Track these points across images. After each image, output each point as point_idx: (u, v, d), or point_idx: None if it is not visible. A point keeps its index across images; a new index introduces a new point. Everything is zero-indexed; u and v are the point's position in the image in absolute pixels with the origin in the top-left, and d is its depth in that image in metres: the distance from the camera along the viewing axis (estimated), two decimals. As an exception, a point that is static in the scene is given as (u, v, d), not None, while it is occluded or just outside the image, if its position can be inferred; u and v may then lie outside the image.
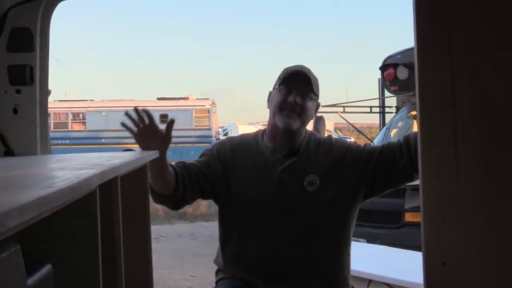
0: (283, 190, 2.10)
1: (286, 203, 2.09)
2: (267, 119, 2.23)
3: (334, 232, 2.14)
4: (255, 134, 2.25)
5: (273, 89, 2.17)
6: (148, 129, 2.01)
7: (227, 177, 2.14)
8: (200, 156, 2.23)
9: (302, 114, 2.09)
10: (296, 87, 2.09)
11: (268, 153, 2.14)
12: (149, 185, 2.00)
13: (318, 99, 2.17)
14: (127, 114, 2.02)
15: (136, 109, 2.04)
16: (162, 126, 2.04)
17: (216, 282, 2.24)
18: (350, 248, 2.21)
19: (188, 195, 2.12)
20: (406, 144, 2.10)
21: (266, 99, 2.22)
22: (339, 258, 2.15)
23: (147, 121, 2.01)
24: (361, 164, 2.13)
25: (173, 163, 2.15)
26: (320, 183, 2.09)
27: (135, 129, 2.02)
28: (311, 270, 2.10)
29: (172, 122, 2.05)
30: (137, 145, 2.02)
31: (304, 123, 2.13)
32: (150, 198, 1.91)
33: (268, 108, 2.19)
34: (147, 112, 2.03)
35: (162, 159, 1.96)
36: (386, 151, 2.15)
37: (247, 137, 2.27)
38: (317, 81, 2.16)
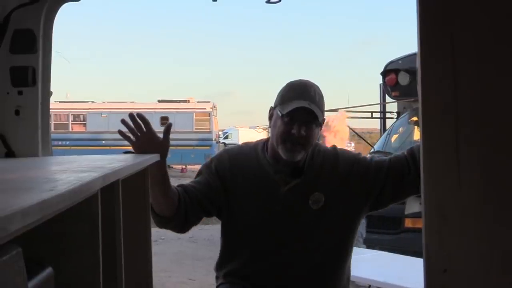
0: (287, 209, 2.04)
1: (290, 222, 2.05)
2: (267, 124, 2.16)
3: (338, 248, 2.10)
4: (255, 147, 2.15)
5: (274, 107, 2.06)
6: (146, 136, 1.92)
7: (228, 195, 2.08)
8: (198, 175, 2.16)
9: (306, 144, 2.01)
10: (301, 119, 1.98)
11: (270, 170, 2.07)
12: (151, 208, 1.93)
13: (323, 121, 2.08)
14: (123, 122, 1.93)
15: (132, 115, 1.95)
16: (162, 128, 2.00)
17: (217, 287, 2.22)
18: (351, 259, 2.19)
19: (191, 217, 2.05)
20: (412, 158, 2.04)
21: (268, 109, 2.09)
22: (342, 270, 2.14)
23: (144, 127, 1.93)
24: (370, 178, 2.07)
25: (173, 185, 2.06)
26: (326, 200, 2.04)
27: (133, 137, 1.94)
28: (315, 286, 2.08)
29: (169, 127, 1.96)
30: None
31: (308, 151, 2.05)
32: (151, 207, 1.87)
33: (270, 127, 2.10)
34: (143, 118, 1.93)
35: (162, 167, 1.91)
36: (395, 165, 2.08)
37: (246, 149, 2.18)
38: (323, 99, 2.05)
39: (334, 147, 2.24)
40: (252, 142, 2.24)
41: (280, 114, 2.01)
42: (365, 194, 2.10)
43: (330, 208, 2.05)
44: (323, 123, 2.10)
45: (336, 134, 4.77)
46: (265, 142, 2.14)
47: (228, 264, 2.15)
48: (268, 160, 2.09)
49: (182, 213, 2.02)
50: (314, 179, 2.07)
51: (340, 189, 2.08)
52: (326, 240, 2.08)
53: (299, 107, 1.97)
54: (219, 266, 2.21)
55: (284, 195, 2.05)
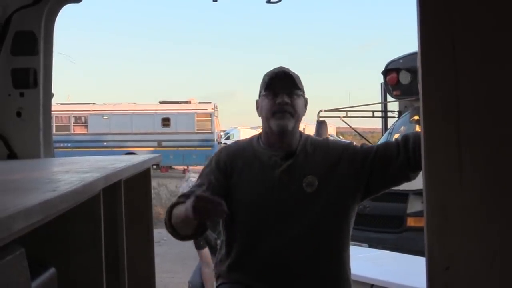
0: (282, 192, 2.10)
1: (285, 205, 2.10)
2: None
3: (333, 233, 2.14)
4: (250, 139, 2.26)
5: (259, 97, 2.20)
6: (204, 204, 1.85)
7: (229, 187, 2.14)
8: (200, 177, 2.22)
9: (294, 112, 2.12)
10: (281, 88, 2.12)
11: (265, 157, 2.16)
12: (171, 228, 2.01)
13: (304, 94, 2.21)
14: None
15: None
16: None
17: (217, 287, 2.23)
18: (349, 249, 2.21)
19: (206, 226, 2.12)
20: (404, 144, 2.10)
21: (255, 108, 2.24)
22: (339, 259, 2.16)
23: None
24: (358, 163, 2.14)
25: (181, 199, 2.07)
26: (319, 184, 2.10)
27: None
28: (313, 272, 2.10)
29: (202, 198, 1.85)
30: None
31: (298, 121, 2.16)
32: (153, 200, 1.89)
33: (259, 116, 2.21)
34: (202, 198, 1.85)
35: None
36: (382, 150, 2.15)
37: (242, 142, 2.29)
38: (299, 78, 2.19)
39: (326, 138, 2.38)
40: (248, 137, 2.34)
41: (263, 93, 2.15)
42: (354, 179, 2.14)
43: (323, 191, 2.09)
44: (306, 100, 2.22)
45: None
46: (259, 134, 2.25)
47: (228, 256, 2.18)
48: (262, 148, 2.18)
49: (202, 224, 2.06)
50: (306, 161, 2.14)
51: (331, 173, 2.14)
52: (321, 225, 2.12)
53: (276, 73, 2.13)
54: (219, 262, 2.23)
55: (278, 177, 2.12)
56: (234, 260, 2.16)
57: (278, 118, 2.10)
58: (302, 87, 2.19)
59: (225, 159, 2.18)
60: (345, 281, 2.17)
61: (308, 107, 2.25)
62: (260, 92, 2.18)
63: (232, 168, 2.16)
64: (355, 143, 2.32)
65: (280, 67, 2.20)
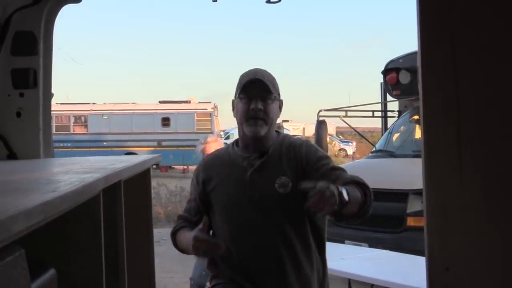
0: (255, 192, 2.14)
1: (259, 205, 2.13)
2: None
3: (307, 234, 2.16)
4: (228, 147, 2.34)
5: (235, 97, 2.24)
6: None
7: (206, 191, 2.24)
8: (190, 191, 2.33)
9: (266, 118, 2.16)
10: (255, 93, 2.15)
11: (240, 159, 2.21)
12: (180, 251, 2.19)
13: (279, 97, 2.24)
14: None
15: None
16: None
17: None
18: (325, 249, 2.23)
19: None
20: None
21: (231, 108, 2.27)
22: (315, 256, 2.18)
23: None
24: (311, 169, 2.13)
25: (180, 222, 2.25)
26: (293, 186, 2.11)
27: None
28: (289, 271, 2.13)
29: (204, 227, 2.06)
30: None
31: (271, 126, 2.20)
32: (153, 200, 1.92)
33: (234, 117, 2.26)
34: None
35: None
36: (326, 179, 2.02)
37: (220, 151, 2.39)
38: (275, 80, 2.23)
39: (305, 139, 2.39)
40: (226, 145, 2.43)
41: (238, 96, 2.19)
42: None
43: (296, 192, 2.08)
44: (281, 102, 2.24)
45: None
46: (236, 139, 2.31)
47: (215, 259, 2.22)
48: (238, 152, 2.23)
49: None
50: (279, 161, 2.16)
51: (305, 175, 2.12)
52: (295, 226, 2.14)
53: (251, 79, 2.15)
54: (211, 261, 2.27)
55: (250, 177, 2.15)
56: (222, 262, 2.20)
57: (251, 124, 2.15)
58: (277, 90, 2.23)
59: (202, 173, 2.27)
60: (318, 281, 2.20)
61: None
62: (236, 92, 2.21)
63: (209, 179, 2.24)
64: (326, 154, 2.27)
65: (256, 70, 2.22)
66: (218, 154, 2.36)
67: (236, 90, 2.22)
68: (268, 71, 2.25)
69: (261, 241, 2.13)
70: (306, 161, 2.16)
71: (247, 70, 2.26)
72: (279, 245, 2.13)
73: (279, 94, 2.23)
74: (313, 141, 5.80)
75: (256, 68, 2.24)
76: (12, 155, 2.08)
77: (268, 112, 2.16)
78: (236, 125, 2.26)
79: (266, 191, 2.13)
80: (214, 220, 2.22)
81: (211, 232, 2.28)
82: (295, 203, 2.10)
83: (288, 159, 2.17)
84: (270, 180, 2.13)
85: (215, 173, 2.24)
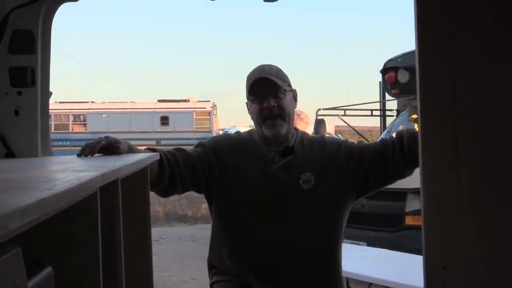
0: (279, 188, 2.11)
1: (282, 201, 2.11)
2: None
3: (328, 230, 2.16)
4: (250, 132, 2.27)
5: (247, 99, 2.19)
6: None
7: (222, 172, 2.14)
8: (197, 146, 2.23)
9: (283, 114, 2.12)
10: (264, 92, 2.11)
11: (263, 150, 2.16)
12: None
13: (291, 87, 2.19)
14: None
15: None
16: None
17: (211, 285, 2.23)
18: (341, 246, 2.23)
19: (178, 183, 2.06)
20: (399, 141, 2.12)
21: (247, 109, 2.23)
22: (332, 256, 2.17)
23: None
24: (355, 161, 2.16)
25: (171, 149, 2.12)
26: (316, 181, 2.11)
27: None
28: (306, 269, 2.11)
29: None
30: (142, 147, 2.02)
31: (290, 122, 2.15)
32: (151, 198, 1.88)
33: (252, 119, 2.22)
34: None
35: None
36: (379, 149, 2.17)
37: (242, 134, 2.30)
38: (282, 72, 2.17)
39: (321, 135, 2.39)
40: (248, 130, 2.34)
41: (249, 99, 2.16)
42: (352, 177, 2.16)
43: (319, 189, 2.10)
44: (294, 92, 2.21)
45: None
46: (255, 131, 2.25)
47: (221, 246, 2.17)
48: (260, 143, 2.18)
49: (166, 177, 2.02)
50: (304, 158, 2.15)
51: (327, 170, 2.15)
52: (317, 222, 2.13)
53: (257, 78, 2.10)
54: (213, 256, 2.23)
55: (276, 172, 2.12)
56: (229, 256, 2.16)
57: (269, 126, 2.11)
58: (287, 81, 2.17)
59: (224, 144, 2.18)
60: (339, 277, 2.19)
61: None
62: (246, 94, 2.18)
63: (229, 156, 2.14)
64: (352, 141, 2.33)
65: (260, 68, 2.17)
66: (239, 135, 2.28)
67: (246, 93, 2.18)
68: (274, 63, 2.19)
69: (282, 239, 2.10)
70: (339, 156, 2.16)
71: (252, 69, 2.21)
72: (299, 243, 2.11)
73: (289, 85, 2.19)
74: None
75: (260, 65, 2.20)
76: (10, 154, 2.08)
77: (283, 106, 2.12)
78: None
79: (291, 187, 2.11)
80: (224, 207, 2.14)
81: (212, 217, 2.20)
82: (317, 199, 2.11)
83: (311, 154, 2.16)
84: (295, 176, 2.12)
85: (238, 155, 2.15)
